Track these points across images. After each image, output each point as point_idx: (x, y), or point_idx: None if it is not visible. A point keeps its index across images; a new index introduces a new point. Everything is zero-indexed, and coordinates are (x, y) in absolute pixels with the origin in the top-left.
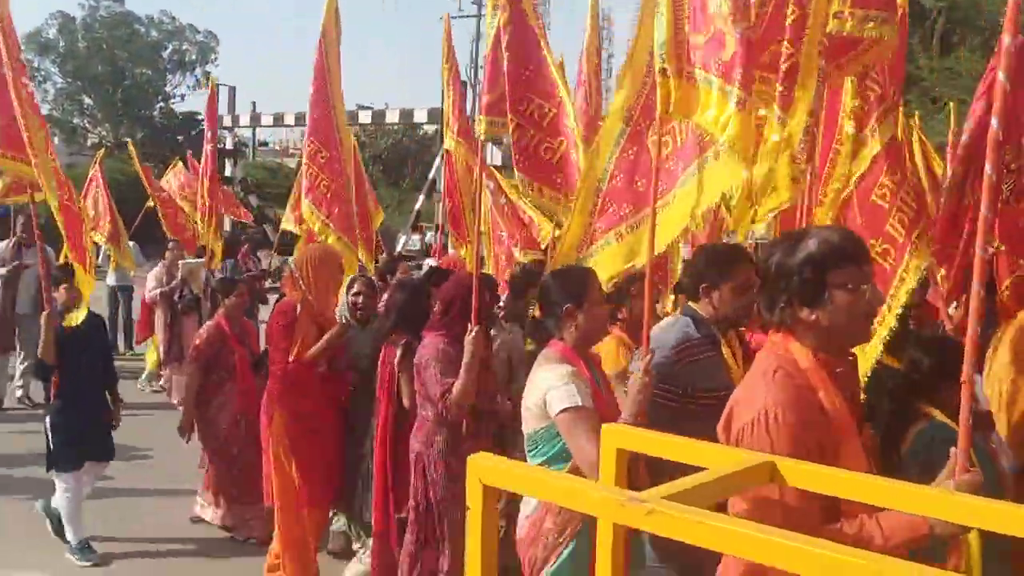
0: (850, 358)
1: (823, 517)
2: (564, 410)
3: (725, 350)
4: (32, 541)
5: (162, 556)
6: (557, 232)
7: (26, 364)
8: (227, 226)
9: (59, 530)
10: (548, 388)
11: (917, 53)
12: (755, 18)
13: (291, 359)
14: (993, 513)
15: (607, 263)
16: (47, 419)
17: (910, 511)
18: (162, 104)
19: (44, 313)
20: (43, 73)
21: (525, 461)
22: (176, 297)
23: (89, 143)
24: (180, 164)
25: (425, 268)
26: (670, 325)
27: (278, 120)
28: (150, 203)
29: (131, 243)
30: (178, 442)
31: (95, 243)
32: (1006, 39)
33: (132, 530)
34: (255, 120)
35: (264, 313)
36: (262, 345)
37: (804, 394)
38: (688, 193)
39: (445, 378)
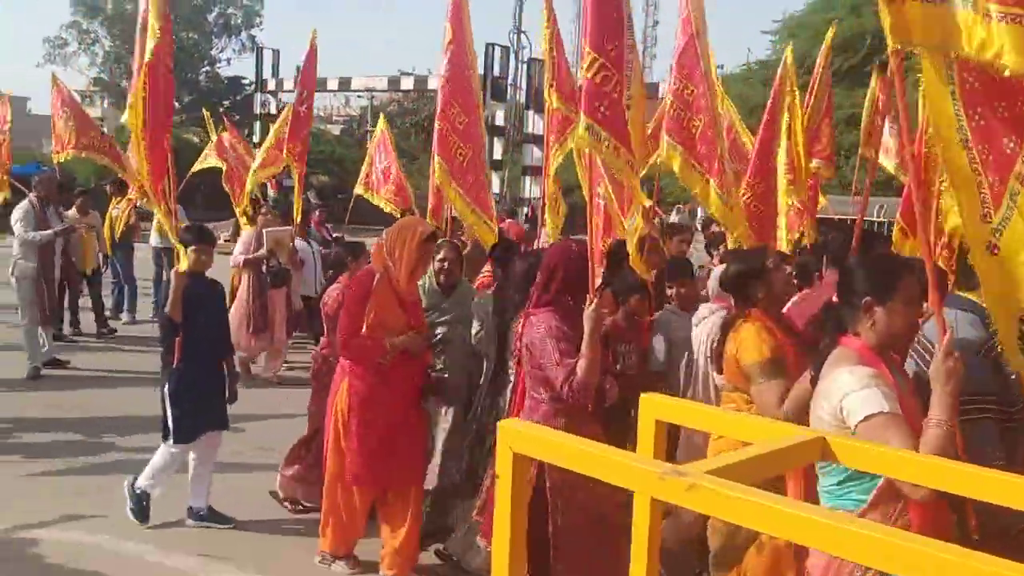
0: None
1: None
2: (868, 417)
3: None
4: (77, 501)
5: (227, 530)
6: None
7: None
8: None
9: (139, 511)
10: (846, 393)
11: None
12: None
13: (364, 330)
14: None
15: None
16: (165, 387)
17: (957, 490)
18: (208, 68)
19: (173, 270)
20: (92, 35)
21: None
22: (264, 268)
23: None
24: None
25: None
26: (957, 322)
27: (321, 86)
28: (200, 167)
29: (178, 207)
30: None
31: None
32: None
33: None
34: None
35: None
36: None
37: None
38: None
39: (565, 358)
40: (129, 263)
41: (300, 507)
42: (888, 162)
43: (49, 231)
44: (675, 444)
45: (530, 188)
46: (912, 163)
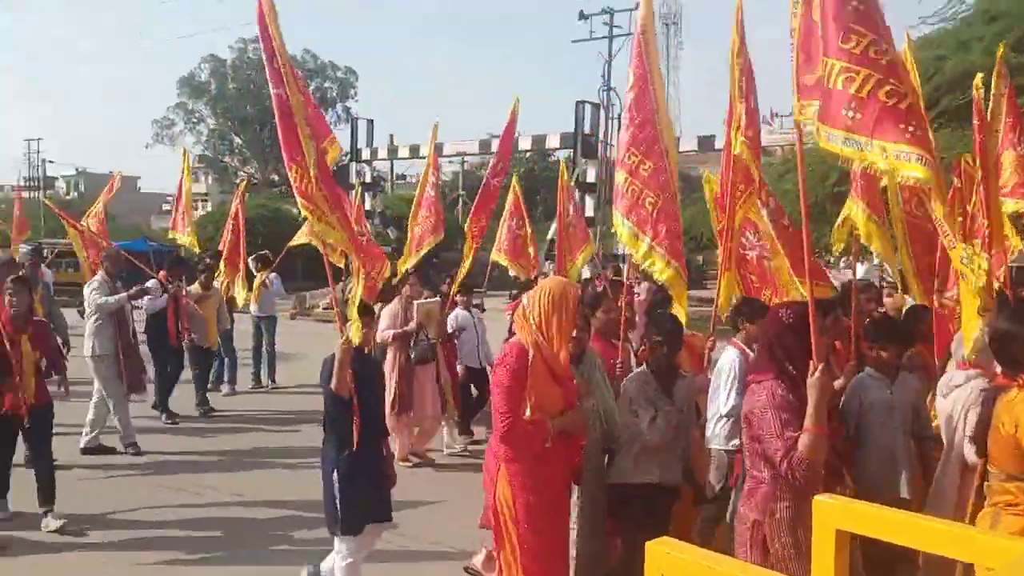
0: None
1: None
2: None
3: None
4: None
5: None
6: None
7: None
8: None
9: None
10: None
11: None
12: None
13: (526, 415)
14: None
15: None
16: (334, 472)
17: None
18: None
19: (340, 343)
20: (197, 115)
21: None
22: (411, 342)
23: (239, 181)
24: None
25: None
26: None
27: (414, 152)
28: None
29: (273, 275)
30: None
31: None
32: None
33: None
34: (392, 153)
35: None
36: None
37: None
38: None
39: (787, 430)
40: (229, 335)
41: None
42: None
43: (121, 295)
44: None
45: (624, 245)
46: None
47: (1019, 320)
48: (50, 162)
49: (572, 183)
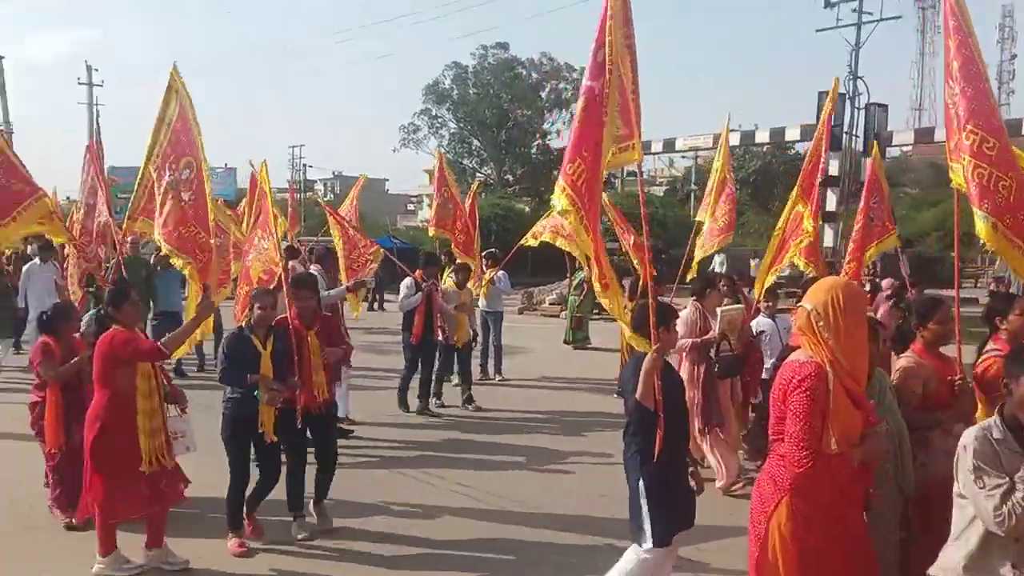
0: None
1: None
2: None
3: None
4: None
5: None
6: None
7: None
8: None
9: None
10: None
11: None
12: None
13: (832, 448)
14: None
15: None
16: (640, 483)
17: None
18: (539, 141)
19: (650, 353)
20: (439, 120)
21: None
22: (712, 353)
23: (476, 182)
24: None
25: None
26: None
27: (645, 148)
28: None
29: (501, 272)
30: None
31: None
32: None
33: None
34: None
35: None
36: None
37: None
38: None
39: None
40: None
41: None
42: None
43: (340, 288)
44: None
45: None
46: None
47: None
48: (310, 166)
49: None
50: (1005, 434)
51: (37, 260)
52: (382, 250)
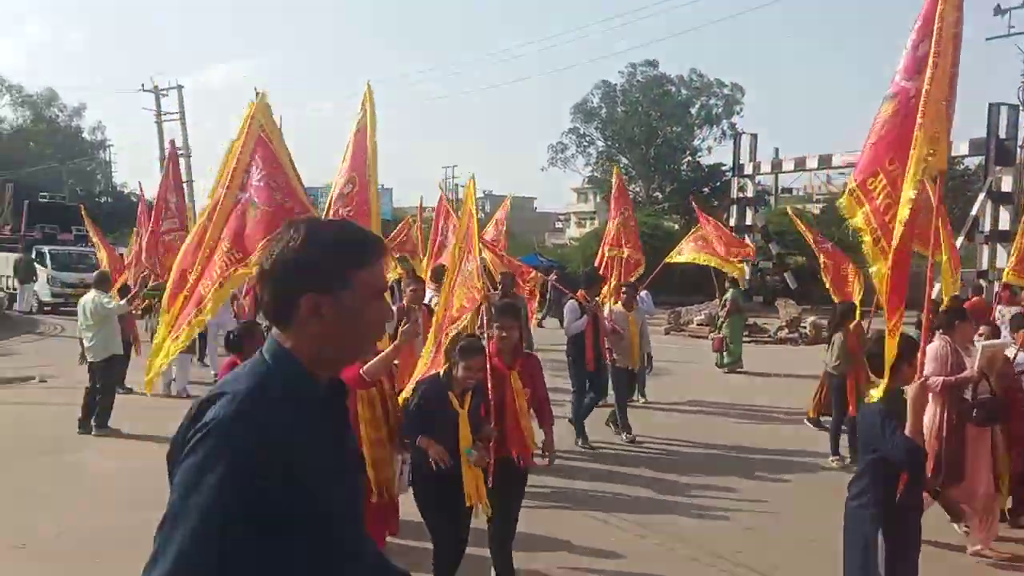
0: None
1: None
2: None
3: None
4: None
5: None
6: None
7: None
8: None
9: None
10: None
11: None
12: None
13: None
14: None
15: None
16: (879, 535)
17: None
18: (689, 158)
19: (919, 383)
20: (587, 139)
21: None
22: (969, 395)
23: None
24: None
25: None
26: None
27: (799, 165)
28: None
29: (644, 292)
30: None
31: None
32: None
33: None
34: (776, 167)
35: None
36: None
37: None
38: None
39: None
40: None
41: None
42: None
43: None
44: None
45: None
46: None
47: None
48: (461, 186)
49: (984, 193)
50: None
51: None
52: (540, 275)
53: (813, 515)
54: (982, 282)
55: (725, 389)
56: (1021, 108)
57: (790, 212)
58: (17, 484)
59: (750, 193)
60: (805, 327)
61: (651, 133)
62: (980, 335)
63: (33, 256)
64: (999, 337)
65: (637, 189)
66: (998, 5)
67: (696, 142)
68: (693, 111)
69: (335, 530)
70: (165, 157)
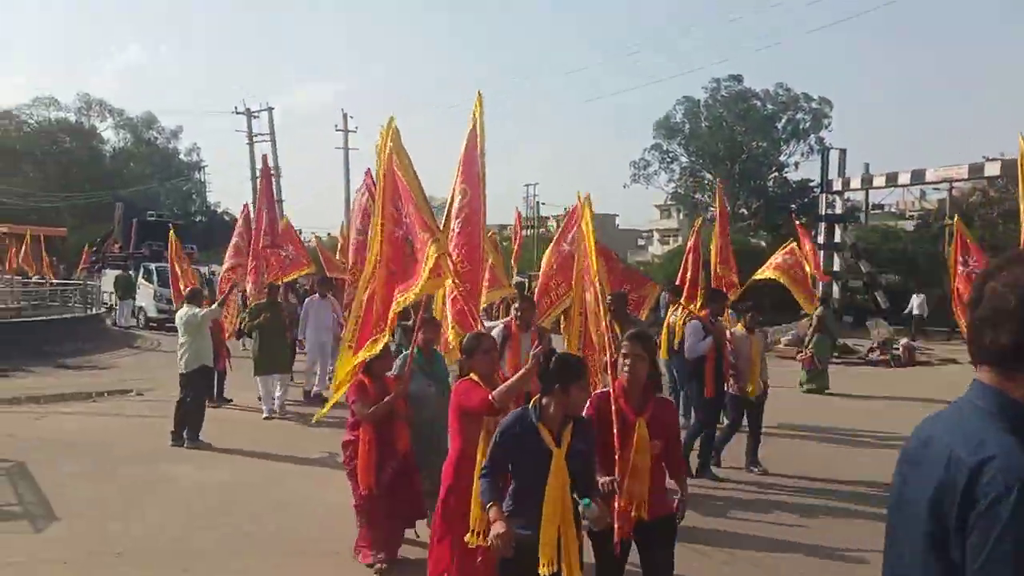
0: None
1: None
2: None
3: None
4: None
5: None
6: None
7: None
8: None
9: None
10: None
11: None
12: None
13: None
14: None
15: None
16: None
17: None
18: (776, 174)
19: None
20: (671, 155)
21: None
22: None
23: (709, 215)
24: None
25: None
26: None
27: (891, 180)
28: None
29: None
30: None
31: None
32: None
33: None
34: (867, 182)
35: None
36: None
37: None
38: None
39: None
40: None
41: None
42: None
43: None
44: None
45: None
46: None
47: None
48: (543, 204)
49: None
50: None
51: (316, 296)
52: (658, 287)
53: None
54: None
55: (810, 413)
56: None
57: (957, 222)
58: (114, 494)
59: (839, 209)
60: (898, 349)
61: (736, 148)
62: None
63: (141, 273)
64: None
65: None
66: None
67: (783, 157)
68: (779, 126)
69: None
70: (258, 177)
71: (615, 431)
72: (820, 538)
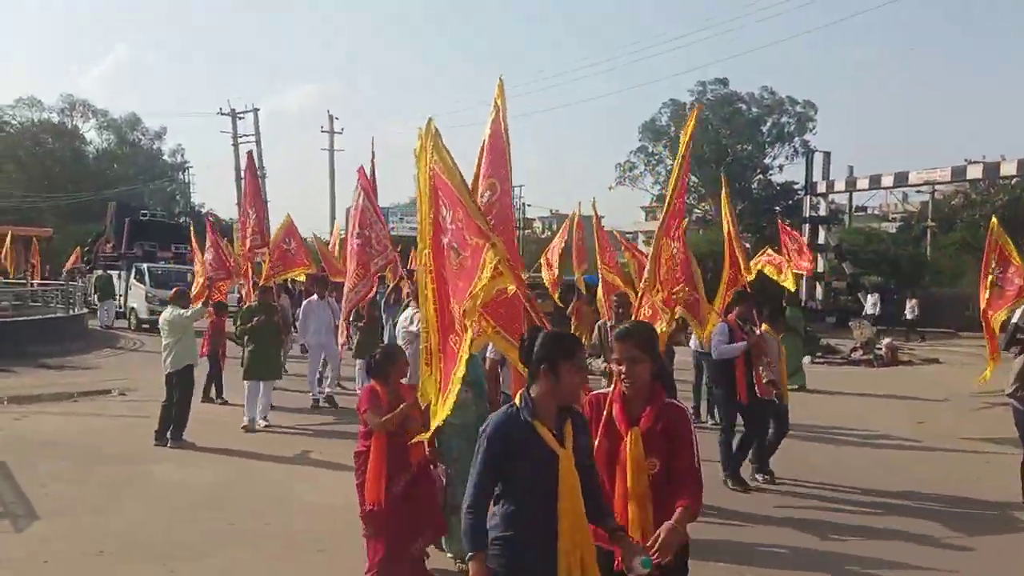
0: None
1: None
2: None
3: None
4: None
5: None
6: None
7: None
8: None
9: None
10: None
11: None
12: None
13: None
14: None
15: None
16: None
17: None
18: (760, 176)
19: None
20: (656, 157)
21: None
22: None
23: (694, 218)
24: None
25: None
26: None
27: (874, 183)
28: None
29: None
30: None
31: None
32: None
33: None
34: (850, 185)
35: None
36: None
37: None
38: None
39: None
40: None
41: None
42: None
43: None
44: None
45: None
46: None
47: None
48: (528, 205)
49: None
50: None
51: (315, 297)
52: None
53: None
54: None
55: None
56: None
57: (995, 223)
58: (95, 493)
59: (823, 212)
60: (880, 348)
61: (721, 151)
62: None
63: (132, 274)
64: None
65: (707, 207)
66: None
67: (767, 160)
68: (764, 129)
69: None
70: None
71: (597, 443)
72: (803, 540)
